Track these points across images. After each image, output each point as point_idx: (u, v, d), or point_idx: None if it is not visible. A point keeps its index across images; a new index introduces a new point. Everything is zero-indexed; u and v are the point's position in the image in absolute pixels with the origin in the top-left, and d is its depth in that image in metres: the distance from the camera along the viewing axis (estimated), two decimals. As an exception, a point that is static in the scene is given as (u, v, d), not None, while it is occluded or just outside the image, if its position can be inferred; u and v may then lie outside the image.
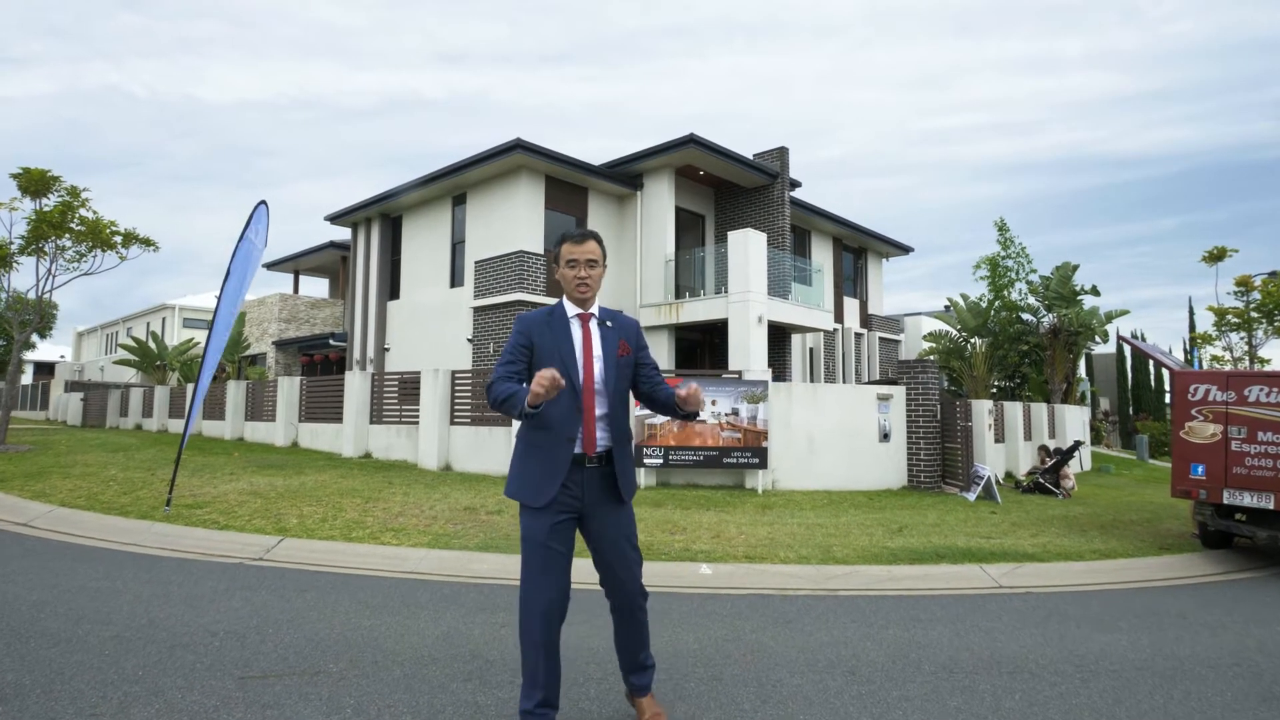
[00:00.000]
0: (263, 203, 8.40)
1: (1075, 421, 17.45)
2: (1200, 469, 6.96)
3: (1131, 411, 33.11)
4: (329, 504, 7.76)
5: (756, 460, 10.26)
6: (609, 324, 2.78)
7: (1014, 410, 14.46)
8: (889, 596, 5.21)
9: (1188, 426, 7.07)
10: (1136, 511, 9.71)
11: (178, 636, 3.75)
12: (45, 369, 47.50)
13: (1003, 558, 6.41)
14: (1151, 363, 34.21)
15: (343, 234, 21.53)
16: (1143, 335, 36.39)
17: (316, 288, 30.15)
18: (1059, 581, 5.85)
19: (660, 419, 10.23)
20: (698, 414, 2.69)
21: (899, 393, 11.25)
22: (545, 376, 2.31)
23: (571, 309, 2.76)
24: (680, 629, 4.23)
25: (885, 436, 11.09)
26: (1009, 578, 5.84)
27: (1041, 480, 11.52)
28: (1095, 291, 19.82)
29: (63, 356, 50.06)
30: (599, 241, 2.78)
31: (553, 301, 2.82)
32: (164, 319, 37.66)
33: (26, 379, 46.63)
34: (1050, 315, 20.29)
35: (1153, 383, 34.28)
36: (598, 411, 2.68)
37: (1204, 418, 7.00)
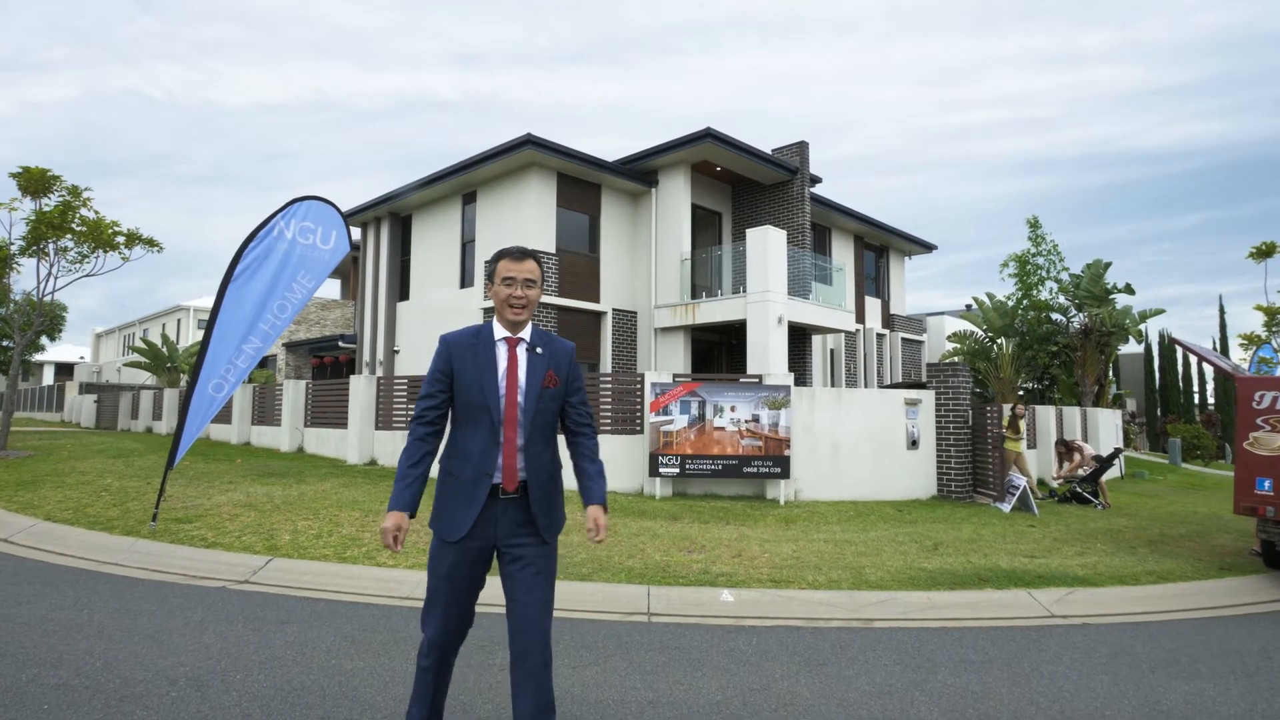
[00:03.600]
0: (318, 199, 7.31)
1: (1108, 425, 16.74)
2: (1267, 484, 6.35)
3: (1160, 413, 32.14)
4: (326, 518, 7.34)
5: (778, 469, 9.73)
6: (539, 350, 2.61)
7: (1046, 414, 13.81)
8: (932, 629, 4.69)
9: (1253, 437, 6.47)
10: (1184, 524, 9.10)
11: (131, 685, 3.32)
12: (65, 370, 47.80)
13: (1051, 581, 5.86)
14: (1181, 363, 33.23)
15: (354, 234, 21.24)
16: (1168, 334, 35.33)
17: (327, 288, 29.90)
18: (1117, 610, 5.31)
19: (677, 425, 9.76)
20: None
21: (928, 397, 10.68)
22: (384, 535, 2.44)
23: (500, 331, 2.61)
24: (700, 671, 3.75)
25: (914, 443, 10.53)
26: (1061, 605, 5.31)
27: (1079, 489, 10.90)
28: (1129, 290, 19.07)
29: (81, 358, 50.35)
30: (540, 263, 2.71)
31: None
32: (179, 320, 37.75)
33: (47, 379, 47.02)
34: (1081, 315, 19.55)
35: (1181, 384, 33.27)
36: (518, 443, 2.52)
37: (1271, 427, 6.40)
